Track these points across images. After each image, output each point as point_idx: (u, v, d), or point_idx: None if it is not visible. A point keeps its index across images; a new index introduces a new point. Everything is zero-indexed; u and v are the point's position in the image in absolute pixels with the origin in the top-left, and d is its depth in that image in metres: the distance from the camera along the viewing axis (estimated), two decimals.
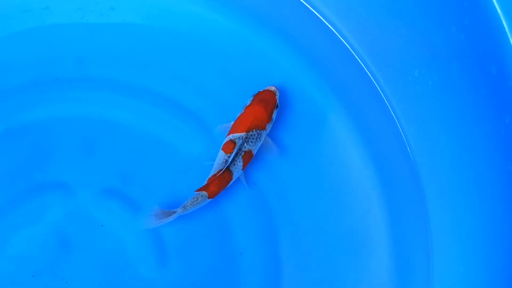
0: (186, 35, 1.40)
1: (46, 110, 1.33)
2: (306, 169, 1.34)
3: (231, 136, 1.26)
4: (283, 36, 1.40)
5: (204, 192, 1.22)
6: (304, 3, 1.37)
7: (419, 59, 1.18)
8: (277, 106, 1.30)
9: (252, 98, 1.30)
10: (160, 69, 1.38)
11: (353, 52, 1.34)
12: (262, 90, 1.31)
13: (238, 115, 1.29)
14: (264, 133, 1.28)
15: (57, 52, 1.36)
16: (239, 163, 1.25)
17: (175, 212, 1.21)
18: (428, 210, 1.23)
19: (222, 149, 1.26)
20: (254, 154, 1.28)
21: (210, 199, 1.23)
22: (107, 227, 1.27)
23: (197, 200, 1.22)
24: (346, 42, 1.34)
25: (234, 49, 1.41)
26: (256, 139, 1.27)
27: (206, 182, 1.24)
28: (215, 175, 1.24)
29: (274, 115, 1.30)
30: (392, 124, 1.30)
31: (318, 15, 1.36)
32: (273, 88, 1.31)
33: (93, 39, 1.38)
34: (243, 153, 1.25)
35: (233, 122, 1.29)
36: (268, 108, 1.28)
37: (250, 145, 1.26)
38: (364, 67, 1.33)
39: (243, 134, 1.25)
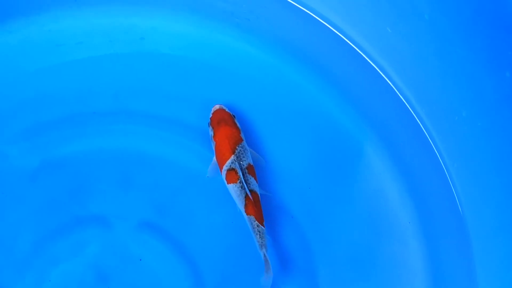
0: (217, 66, 1.42)
1: (84, 144, 1.34)
2: (343, 202, 1.33)
3: (225, 167, 1.27)
4: (317, 68, 1.41)
5: (252, 216, 1.24)
6: (341, 36, 1.38)
7: (468, 100, 1.17)
8: (234, 116, 1.33)
9: (211, 127, 1.31)
10: (193, 102, 1.39)
11: (393, 86, 1.34)
12: (211, 115, 1.32)
13: (214, 148, 1.30)
14: (245, 143, 1.30)
15: (94, 85, 1.38)
16: (252, 179, 1.27)
17: (265, 259, 1.22)
18: (472, 247, 1.22)
19: (229, 182, 1.27)
20: (253, 163, 1.30)
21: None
22: (145, 261, 1.27)
23: (259, 231, 1.23)
24: (386, 76, 1.35)
25: (265, 80, 1.42)
26: (244, 151, 1.29)
27: (244, 211, 1.24)
28: (248, 202, 1.24)
29: (237, 123, 1.32)
30: (434, 159, 1.30)
31: (357, 49, 1.37)
32: (217, 106, 1.33)
33: (127, 72, 1.40)
34: (246, 171, 1.27)
35: (215, 158, 1.30)
36: (230, 122, 1.31)
37: (245, 160, 1.28)
38: (404, 101, 1.34)
39: (232, 157, 1.27)
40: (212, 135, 1.31)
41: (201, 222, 1.30)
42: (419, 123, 1.32)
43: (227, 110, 1.33)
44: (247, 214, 1.25)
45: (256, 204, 1.25)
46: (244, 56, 1.42)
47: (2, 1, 1.41)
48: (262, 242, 1.23)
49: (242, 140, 1.31)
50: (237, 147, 1.28)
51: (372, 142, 1.36)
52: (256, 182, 1.28)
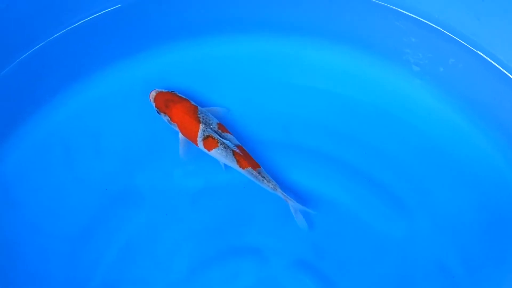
0: (388, 111, 1.38)
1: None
2: None
3: (199, 139, 1.27)
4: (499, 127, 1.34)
5: (249, 168, 1.25)
6: None
7: None
8: (173, 91, 1.33)
9: (163, 113, 1.30)
10: (360, 144, 1.35)
11: None
12: (154, 103, 1.31)
13: (178, 129, 1.30)
14: (200, 108, 1.31)
15: (265, 115, 1.38)
16: (228, 136, 1.29)
17: (284, 197, 1.25)
18: None
19: (210, 149, 1.26)
20: (219, 120, 1.31)
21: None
22: None
23: (263, 177, 1.25)
24: None
25: (439, 133, 1.36)
26: (207, 115, 1.30)
27: (239, 167, 1.26)
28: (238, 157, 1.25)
29: (181, 95, 1.33)
30: None
31: None
32: (154, 93, 1.32)
33: (299, 105, 1.38)
34: (219, 131, 1.28)
35: (182, 139, 1.30)
36: (177, 98, 1.31)
37: (212, 122, 1.29)
38: None
39: (201, 126, 1.27)
40: (169, 119, 1.30)
41: (357, 268, 1.26)
42: None
43: (164, 90, 1.32)
44: (243, 168, 1.25)
45: (246, 156, 1.26)
46: (418, 105, 1.37)
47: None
48: (272, 185, 1.25)
49: (197, 106, 1.30)
50: (198, 116, 1.28)
51: None
52: (232, 135, 1.29)
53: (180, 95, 1.33)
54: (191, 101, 1.32)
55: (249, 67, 1.41)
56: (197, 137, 1.28)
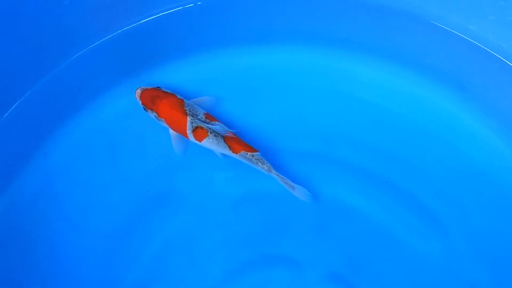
0: (424, 127, 1.38)
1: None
2: None
3: (189, 131, 1.28)
4: None
5: (242, 151, 1.27)
6: None
7: None
8: (158, 87, 1.34)
9: (150, 110, 1.32)
10: (399, 161, 1.35)
11: None
12: (140, 101, 1.33)
13: (167, 125, 1.31)
14: (186, 100, 1.32)
15: (306, 126, 1.38)
16: (217, 124, 1.29)
17: (280, 179, 1.27)
18: None
19: (202, 139, 1.28)
20: (205, 110, 1.33)
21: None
22: None
23: (257, 160, 1.27)
24: None
25: (475, 153, 1.35)
26: (193, 107, 1.31)
27: (232, 153, 1.28)
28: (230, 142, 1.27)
29: (165, 89, 1.34)
30: None
31: None
32: (139, 91, 1.33)
33: (339, 119, 1.38)
34: (207, 120, 1.29)
35: (173, 134, 1.32)
36: (162, 94, 1.32)
37: (199, 113, 1.30)
38: None
39: (188, 118, 1.28)
40: (156, 115, 1.31)
41: (390, 285, 1.26)
42: None
43: (148, 87, 1.33)
44: (236, 153, 1.27)
45: (237, 140, 1.27)
46: (461, 126, 1.37)
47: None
48: (267, 167, 1.27)
49: (183, 99, 1.31)
50: (185, 108, 1.29)
51: None
52: (221, 123, 1.29)
53: (165, 90, 1.34)
54: (177, 95, 1.33)
55: (294, 78, 1.42)
56: (186, 129, 1.29)
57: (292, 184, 1.26)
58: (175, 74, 1.42)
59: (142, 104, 1.33)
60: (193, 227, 1.31)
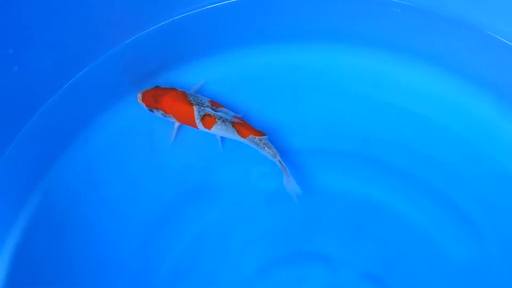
0: (467, 136, 1.36)
1: (322, 179, 1.34)
2: None
3: (197, 120, 1.28)
4: None
5: (250, 135, 1.28)
6: None
7: None
8: (156, 86, 1.33)
9: (156, 109, 1.32)
10: (437, 164, 1.34)
11: None
12: (144, 105, 1.32)
13: (174, 119, 1.32)
14: (187, 91, 1.32)
15: (345, 125, 1.37)
16: (223, 109, 1.30)
17: (281, 165, 1.27)
18: None
19: (211, 126, 1.29)
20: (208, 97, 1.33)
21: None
22: None
23: (264, 144, 1.27)
24: None
25: None
26: (196, 96, 1.31)
27: (241, 137, 1.28)
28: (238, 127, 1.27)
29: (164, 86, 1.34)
30: None
31: None
32: (140, 95, 1.33)
33: (378, 119, 1.38)
34: (213, 107, 1.30)
35: (177, 126, 1.33)
36: (162, 91, 1.31)
37: (204, 101, 1.30)
38: None
39: (194, 107, 1.28)
40: (163, 112, 1.31)
41: (425, 287, 1.26)
42: None
43: (148, 88, 1.32)
44: (245, 137, 1.27)
45: (245, 124, 1.28)
46: (500, 133, 1.35)
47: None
48: (272, 151, 1.27)
49: (184, 91, 1.31)
50: (189, 99, 1.29)
51: None
52: (226, 108, 1.31)
53: (164, 86, 1.34)
54: (177, 88, 1.33)
55: (334, 78, 1.41)
56: (194, 119, 1.29)
57: (289, 176, 1.26)
58: (219, 66, 1.42)
59: (146, 106, 1.33)
60: (228, 220, 1.32)
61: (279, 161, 1.26)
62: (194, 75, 1.39)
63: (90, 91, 1.37)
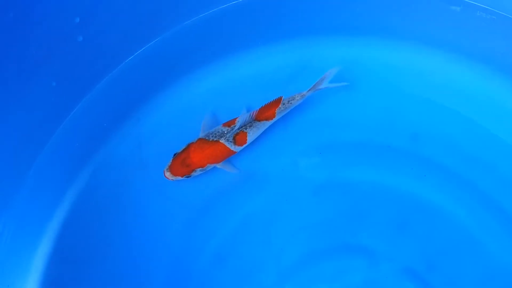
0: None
1: (370, 173, 1.34)
2: None
3: (233, 148, 1.27)
4: None
5: (276, 110, 1.28)
6: None
7: None
8: (174, 154, 1.29)
9: (191, 173, 1.28)
10: (488, 167, 1.33)
11: None
12: (176, 177, 1.28)
13: (217, 166, 1.31)
14: (200, 137, 1.29)
15: (395, 121, 1.37)
16: (240, 119, 1.27)
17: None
18: None
19: (246, 141, 1.28)
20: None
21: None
22: None
23: (287, 104, 1.29)
24: None
25: None
26: (208, 131, 1.30)
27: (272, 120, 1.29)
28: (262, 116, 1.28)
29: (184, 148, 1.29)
30: None
31: None
32: (166, 173, 1.28)
33: (429, 118, 1.37)
34: (228, 129, 1.28)
35: (220, 166, 1.31)
36: (185, 154, 1.27)
37: (218, 130, 1.29)
38: None
39: (221, 141, 1.26)
40: (201, 168, 1.28)
41: (466, 287, 1.27)
42: None
43: (169, 162, 1.28)
44: (275, 116, 1.28)
45: (263, 110, 1.27)
46: None
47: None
48: (299, 96, 1.29)
49: (199, 138, 1.28)
50: (209, 139, 1.26)
51: None
52: (237, 117, 1.27)
53: (180, 149, 1.30)
54: (193, 141, 1.29)
55: (385, 75, 1.40)
56: (230, 150, 1.28)
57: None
58: (267, 56, 1.42)
59: (184, 177, 1.29)
60: (273, 209, 1.33)
61: (309, 92, 1.28)
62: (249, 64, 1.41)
63: (146, 71, 1.38)
